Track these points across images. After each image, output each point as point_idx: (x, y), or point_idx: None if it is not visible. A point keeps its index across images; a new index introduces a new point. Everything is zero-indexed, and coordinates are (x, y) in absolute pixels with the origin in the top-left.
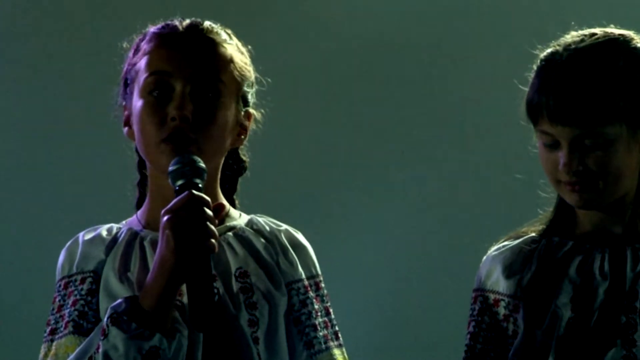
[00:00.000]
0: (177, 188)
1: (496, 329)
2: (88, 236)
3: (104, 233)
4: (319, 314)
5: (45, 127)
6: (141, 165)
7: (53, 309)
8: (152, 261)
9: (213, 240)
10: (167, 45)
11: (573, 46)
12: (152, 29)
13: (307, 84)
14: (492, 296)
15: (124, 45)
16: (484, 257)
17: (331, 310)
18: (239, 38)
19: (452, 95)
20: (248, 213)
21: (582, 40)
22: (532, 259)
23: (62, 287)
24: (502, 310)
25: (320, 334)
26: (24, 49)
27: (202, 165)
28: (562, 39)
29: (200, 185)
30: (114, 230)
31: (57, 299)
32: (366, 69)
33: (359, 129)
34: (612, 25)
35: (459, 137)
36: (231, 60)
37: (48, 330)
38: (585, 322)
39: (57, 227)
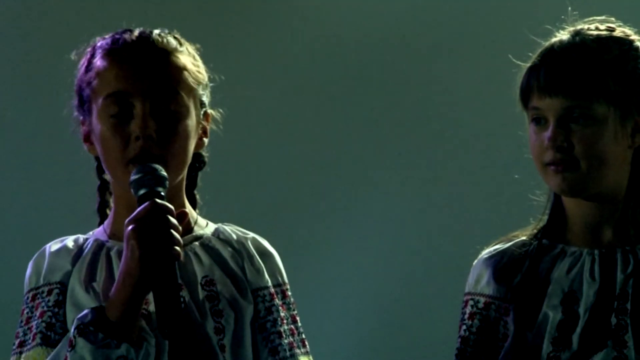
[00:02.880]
0: (139, 197)
1: (487, 333)
2: (54, 248)
3: (70, 244)
4: (285, 321)
5: (42, 128)
6: (100, 170)
7: (21, 322)
8: (118, 271)
9: (178, 248)
10: (120, 63)
11: (572, 33)
12: (100, 42)
13: (303, 85)
14: (482, 299)
15: (72, 57)
16: (475, 261)
17: (298, 318)
18: (236, 39)
19: (450, 97)
20: (241, 217)
21: (581, 29)
22: (523, 261)
23: (29, 299)
24: (492, 314)
25: (285, 341)
26: (25, 48)
27: (164, 173)
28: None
29: (162, 194)
30: (80, 241)
31: (25, 312)
32: (363, 69)
33: (355, 130)
34: (615, 21)
35: (457, 138)
36: (185, 68)
37: (17, 342)
38: (576, 324)
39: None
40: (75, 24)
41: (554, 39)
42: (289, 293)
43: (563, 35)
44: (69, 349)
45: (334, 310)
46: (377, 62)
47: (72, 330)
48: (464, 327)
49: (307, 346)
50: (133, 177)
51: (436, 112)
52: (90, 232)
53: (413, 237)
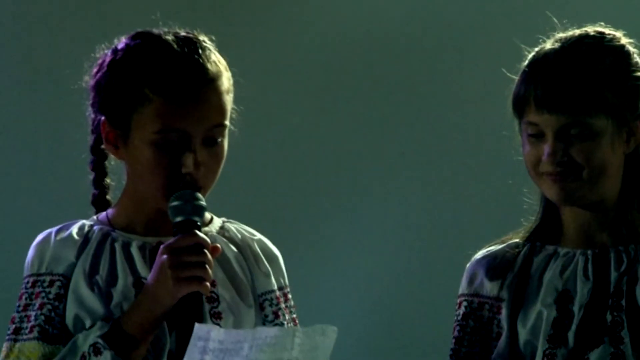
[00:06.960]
0: (175, 223)
1: (480, 333)
2: (60, 236)
3: (75, 233)
4: (289, 325)
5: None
6: (97, 165)
7: (19, 306)
8: (121, 263)
9: (208, 284)
10: (176, 102)
11: (563, 41)
12: (145, 54)
13: (307, 84)
14: (476, 300)
15: (98, 54)
16: (468, 263)
17: (297, 322)
18: (240, 38)
19: (453, 97)
20: (244, 215)
21: (572, 37)
22: (516, 261)
23: (29, 284)
24: (486, 313)
25: None
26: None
27: (203, 203)
28: (552, 37)
29: (199, 223)
30: (86, 229)
31: (23, 297)
32: (367, 69)
33: (359, 130)
34: (605, 25)
35: (460, 138)
36: (228, 92)
37: (12, 328)
38: (571, 322)
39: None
40: (77, 23)
41: (546, 47)
42: (290, 295)
43: (554, 44)
44: None
45: (335, 310)
46: (382, 61)
47: (87, 346)
48: (458, 327)
49: None
50: (172, 203)
51: (441, 111)
52: (94, 217)
53: (415, 236)
